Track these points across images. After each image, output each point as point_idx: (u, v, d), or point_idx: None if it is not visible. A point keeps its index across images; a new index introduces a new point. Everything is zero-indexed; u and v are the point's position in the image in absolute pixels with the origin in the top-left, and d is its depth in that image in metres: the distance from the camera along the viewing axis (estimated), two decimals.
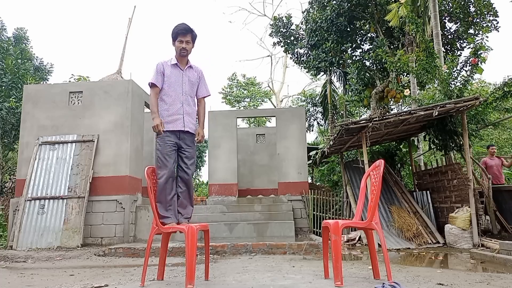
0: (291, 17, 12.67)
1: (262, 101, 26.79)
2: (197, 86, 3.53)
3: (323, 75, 15.88)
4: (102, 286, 3.33)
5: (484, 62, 7.34)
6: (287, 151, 9.92)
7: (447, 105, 6.44)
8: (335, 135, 7.72)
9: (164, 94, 3.37)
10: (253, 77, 27.64)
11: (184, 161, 3.35)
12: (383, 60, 9.33)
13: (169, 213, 3.18)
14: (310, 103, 20.24)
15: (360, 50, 12.35)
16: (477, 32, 10.58)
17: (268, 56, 26.89)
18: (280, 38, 12.73)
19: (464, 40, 11.02)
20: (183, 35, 3.38)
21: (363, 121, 6.90)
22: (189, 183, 3.37)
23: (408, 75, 10.84)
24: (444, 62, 8.43)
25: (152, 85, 3.36)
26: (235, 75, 27.70)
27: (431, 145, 8.20)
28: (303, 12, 12.49)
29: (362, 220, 3.40)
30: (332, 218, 8.86)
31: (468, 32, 10.86)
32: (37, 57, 14.39)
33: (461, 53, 11.25)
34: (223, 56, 47.66)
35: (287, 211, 8.49)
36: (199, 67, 3.59)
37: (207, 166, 10.99)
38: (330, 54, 11.22)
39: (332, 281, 3.02)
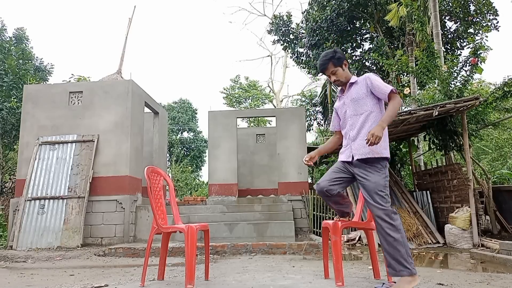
0: (291, 15, 12.67)
1: (263, 103, 27.03)
2: (367, 96, 2.93)
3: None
4: (102, 286, 3.33)
5: (484, 62, 7.35)
6: (287, 151, 9.91)
7: (447, 105, 6.44)
8: None
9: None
10: (255, 80, 28.14)
11: None
12: (380, 63, 9.34)
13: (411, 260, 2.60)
14: (310, 103, 20.27)
15: (360, 50, 12.37)
16: (477, 31, 10.58)
17: (268, 56, 26.93)
18: (280, 36, 12.74)
19: (464, 40, 11.03)
20: (323, 72, 3.07)
21: None
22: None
23: (408, 75, 10.85)
24: (444, 62, 8.44)
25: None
26: (239, 77, 28.16)
27: (431, 145, 8.20)
28: (303, 13, 12.51)
29: (362, 220, 3.41)
30: (332, 218, 8.84)
31: (468, 31, 10.87)
32: (37, 57, 14.38)
33: (461, 52, 11.27)
34: (223, 56, 47.67)
35: (287, 211, 8.48)
36: (364, 76, 3.02)
37: (207, 166, 10.99)
38: None
39: (332, 281, 3.02)
